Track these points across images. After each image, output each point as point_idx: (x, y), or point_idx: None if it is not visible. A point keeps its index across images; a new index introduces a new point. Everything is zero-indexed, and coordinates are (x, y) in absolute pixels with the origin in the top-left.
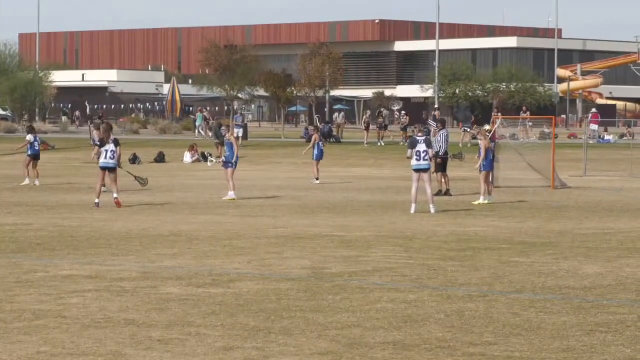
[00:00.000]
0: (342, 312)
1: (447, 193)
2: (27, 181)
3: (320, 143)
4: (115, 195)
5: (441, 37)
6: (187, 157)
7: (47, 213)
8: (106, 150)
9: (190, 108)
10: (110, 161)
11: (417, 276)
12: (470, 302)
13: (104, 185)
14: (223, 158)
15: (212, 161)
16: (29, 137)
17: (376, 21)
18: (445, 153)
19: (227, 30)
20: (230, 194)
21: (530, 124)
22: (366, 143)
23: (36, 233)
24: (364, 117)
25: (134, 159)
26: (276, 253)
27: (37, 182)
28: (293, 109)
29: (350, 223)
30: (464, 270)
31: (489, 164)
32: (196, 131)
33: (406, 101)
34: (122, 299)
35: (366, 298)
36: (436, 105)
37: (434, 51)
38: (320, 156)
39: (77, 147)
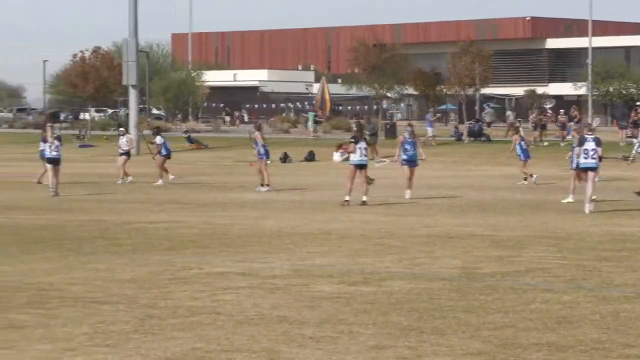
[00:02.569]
0: (495, 313)
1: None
2: (160, 182)
3: (522, 143)
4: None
5: (593, 34)
6: (337, 156)
7: (199, 211)
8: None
9: (340, 107)
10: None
11: (572, 277)
12: (626, 303)
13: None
14: (400, 157)
15: (382, 161)
16: (158, 139)
17: (527, 19)
18: None
19: (376, 30)
20: (407, 194)
21: None
22: (533, 142)
23: (189, 231)
24: (532, 116)
25: (284, 158)
26: (427, 252)
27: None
28: (442, 107)
29: (501, 223)
30: (620, 271)
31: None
32: (308, 130)
33: (559, 99)
34: (275, 296)
35: (519, 299)
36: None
37: (586, 49)
38: (526, 156)
39: (230, 146)
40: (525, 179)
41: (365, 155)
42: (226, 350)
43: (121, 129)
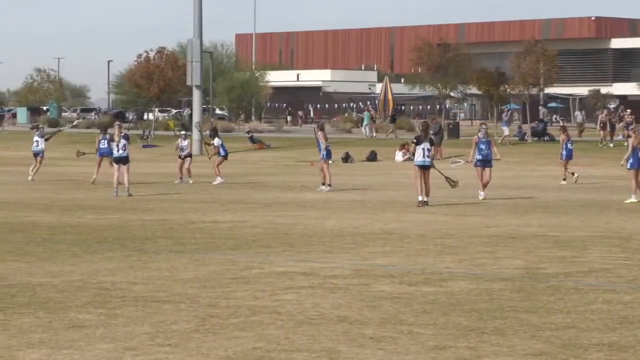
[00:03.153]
0: (557, 313)
1: None
2: (219, 180)
3: (568, 143)
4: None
5: None
6: (399, 156)
7: (262, 211)
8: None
9: (403, 107)
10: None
11: (634, 277)
12: None
13: None
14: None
15: (457, 162)
16: (217, 141)
17: (592, 18)
18: None
19: (440, 29)
20: (481, 194)
21: None
22: (602, 143)
23: (252, 230)
24: (601, 116)
25: (346, 158)
26: (488, 252)
27: (219, 180)
28: (507, 107)
29: (564, 223)
30: None
31: (637, 161)
32: (363, 130)
33: (622, 99)
34: (335, 296)
35: (581, 299)
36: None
37: None
38: (568, 156)
39: (292, 146)
40: (565, 178)
41: (429, 156)
42: (286, 350)
43: (182, 131)
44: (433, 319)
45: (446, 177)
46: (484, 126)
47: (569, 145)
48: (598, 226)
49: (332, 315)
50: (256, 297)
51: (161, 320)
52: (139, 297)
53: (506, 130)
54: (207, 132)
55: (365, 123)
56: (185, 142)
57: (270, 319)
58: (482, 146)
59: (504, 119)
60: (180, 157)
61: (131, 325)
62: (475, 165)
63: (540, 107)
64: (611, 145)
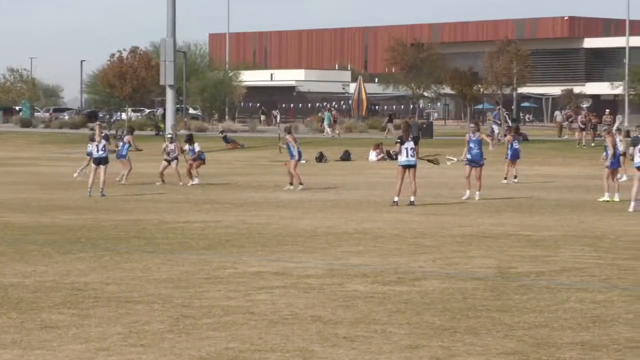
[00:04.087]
0: (529, 313)
1: None
2: (197, 180)
3: (514, 143)
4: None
5: (631, 34)
6: (373, 155)
7: (235, 211)
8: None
9: (376, 107)
10: None
11: (607, 276)
12: None
13: None
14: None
15: (451, 160)
16: (196, 146)
17: (565, 18)
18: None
19: (413, 29)
20: (472, 193)
21: None
22: (579, 145)
23: (225, 230)
24: (580, 116)
25: (320, 158)
26: (462, 252)
27: (195, 181)
28: (479, 107)
29: (537, 222)
30: None
31: (617, 161)
32: (326, 130)
33: (595, 99)
34: (309, 295)
35: (554, 298)
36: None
37: (624, 48)
38: (514, 156)
39: (266, 145)
40: (506, 178)
41: (413, 155)
42: (260, 350)
43: (170, 133)
44: (406, 318)
45: (429, 160)
46: (472, 124)
47: (515, 145)
48: (571, 225)
49: (305, 315)
50: (229, 297)
51: (134, 320)
52: (112, 297)
53: (496, 129)
54: (181, 132)
55: (325, 123)
56: (172, 146)
57: (243, 319)
58: (472, 145)
59: (494, 119)
60: (166, 160)
61: (104, 325)
62: (466, 164)
63: (497, 108)
64: (592, 145)
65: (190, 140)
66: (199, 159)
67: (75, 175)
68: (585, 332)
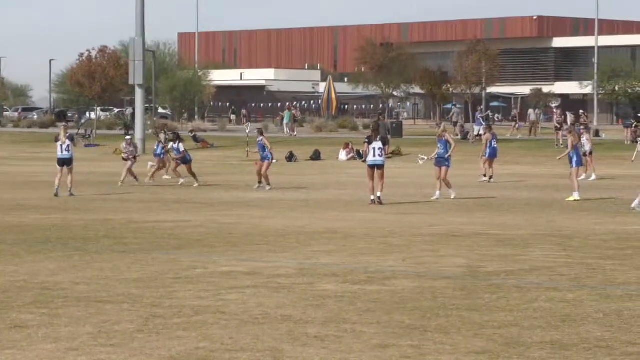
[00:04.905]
0: (499, 312)
1: None
2: (182, 180)
3: (493, 141)
4: None
5: (600, 33)
6: (343, 155)
7: (206, 210)
8: None
9: (346, 106)
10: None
11: (576, 275)
12: (629, 301)
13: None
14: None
15: (423, 158)
16: (182, 146)
17: (534, 17)
18: None
19: (383, 29)
20: (440, 194)
21: None
22: (557, 145)
23: (195, 230)
24: (555, 116)
25: (290, 157)
26: (432, 251)
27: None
28: (449, 106)
29: (507, 221)
30: (623, 269)
31: (581, 160)
32: (285, 130)
33: (564, 98)
34: (279, 295)
35: (524, 297)
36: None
37: (593, 48)
38: (492, 154)
39: (236, 145)
40: (485, 175)
41: (380, 155)
42: (230, 349)
43: (130, 132)
44: (376, 317)
45: (393, 152)
46: (438, 125)
47: (494, 144)
48: (541, 225)
49: (276, 314)
50: (200, 297)
51: (104, 320)
52: (82, 297)
53: (477, 130)
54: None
55: (285, 122)
56: (125, 144)
57: (214, 318)
58: (439, 144)
59: (478, 117)
60: (124, 158)
61: (74, 325)
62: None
63: (452, 107)
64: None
65: (176, 138)
66: (185, 159)
67: (147, 179)
68: (555, 331)
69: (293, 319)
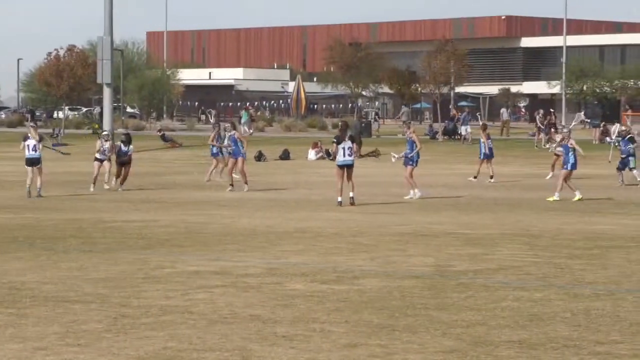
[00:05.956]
0: (467, 311)
1: None
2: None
3: (489, 141)
4: None
5: (569, 33)
6: (312, 154)
7: (174, 210)
8: None
9: (315, 106)
10: None
11: (544, 275)
12: (597, 300)
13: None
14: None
15: (394, 157)
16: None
17: (503, 17)
18: None
19: (352, 28)
20: (414, 193)
21: None
22: (537, 146)
23: (164, 229)
24: (538, 116)
25: (259, 157)
26: (400, 250)
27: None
28: (417, 106)
29: (475, 221)
30: (591, 269)
31: (577, 163)
32: (241, 128)
33: (532, 98)
34: (248, 294)
35: (491, 296)
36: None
37: (561, 47)
38: (490, 155)
39: (204, 144)
40: (475, 177)
41: (350, 155)
42: (198, 349)
43: (105, 132)
44: (345, 317)
45: (369, 155)
46: (404, 125)
47: (489, 144)
48: (508, 224)
49: (244, 314)
50: (168, 297)
51: (71, 320)
52: (49, 296)
53: (464, 130)
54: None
55: (243, 121)
56: (107, 145)
57: (182, 318)
58: (407, 144)
59: (465, 119)
60: (97, 159)
61: (41, 325)
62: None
63: (403, 107)
64: (547, 145)
65: (127, 140)
66: (123, 160)
67: (206, 180)
68: (523, 331)
69: (261, 319)
